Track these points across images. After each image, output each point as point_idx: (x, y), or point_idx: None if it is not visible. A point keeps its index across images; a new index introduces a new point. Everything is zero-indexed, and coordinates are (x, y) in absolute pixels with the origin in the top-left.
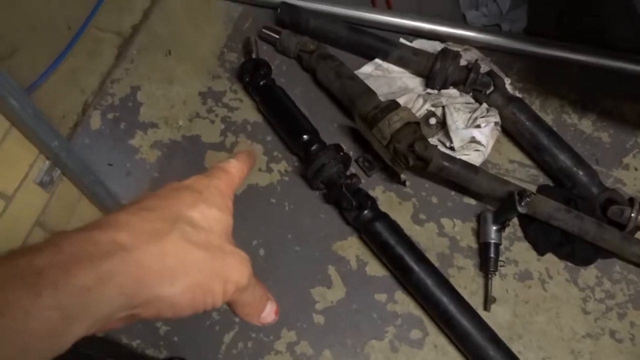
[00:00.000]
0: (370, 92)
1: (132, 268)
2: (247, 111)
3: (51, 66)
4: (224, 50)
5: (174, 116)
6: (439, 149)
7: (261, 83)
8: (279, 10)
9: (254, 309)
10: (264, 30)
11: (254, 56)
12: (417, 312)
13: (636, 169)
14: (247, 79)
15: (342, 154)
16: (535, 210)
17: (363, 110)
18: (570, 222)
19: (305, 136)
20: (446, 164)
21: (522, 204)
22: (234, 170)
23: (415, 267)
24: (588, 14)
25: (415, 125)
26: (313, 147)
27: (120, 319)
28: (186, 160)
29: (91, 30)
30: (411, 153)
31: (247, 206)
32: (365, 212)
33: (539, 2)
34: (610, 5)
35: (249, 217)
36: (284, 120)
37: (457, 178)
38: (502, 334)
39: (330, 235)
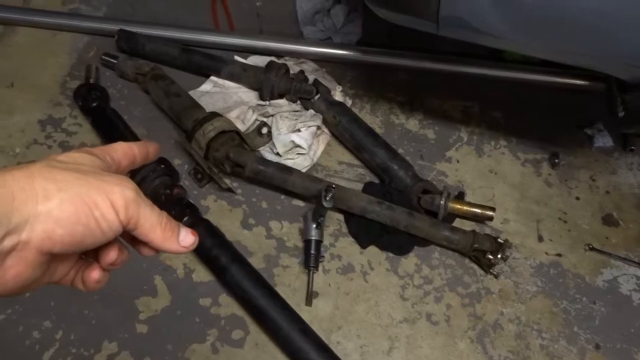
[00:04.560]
0: (194, 107)
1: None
2: (85, 134)
3: None
4: (66, 79)
5: (11, 145)
6: (254, 154)
7: (93, 105)
8: (116, 37)
9: (166, 230)
10: (103, 56)
11: (91, 81)
12: (240, 312)
13: (458, 161)
14: (80, 103)
15: (164, 167)
16: (349, 205)
17: (185, 124)
18: (383, 214)
19: None
20: (261, 167)
21: (327, 198)
22: (116, 145)
23: (230, 267)
24: None
25: (231, 134)
26: None
27: (16, 253)
28: None
29: None
30: (227, 160)
31: None
32: (185, 219)
33: (371, 16)
34: None
35: None
36: (111, 139)
37: (273, 180)
38: (322, 326)
39: None
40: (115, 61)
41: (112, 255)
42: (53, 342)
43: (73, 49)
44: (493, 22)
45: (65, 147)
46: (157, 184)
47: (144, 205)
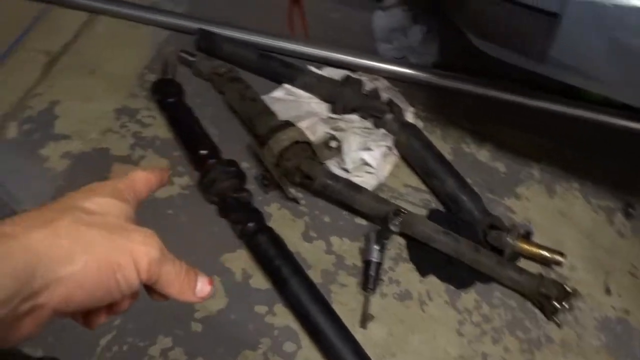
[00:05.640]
0: (268, 113)
1: (19, 252)
2: (159, 128)
3: None
4: (144, 72)
5: (86, 130)
6: (325, 168)
7: (169, 101)
8: (196, 36)
9: (184, 284)
10: (181, 53)
11: (168, 76)
12: (294, 325)
13: (527, 199)
14: (157, 97)
15: (234, 169)
16: (414, 231)
17: (259, 130)
18: (447, 244)
19: (202, 151)
20: (330, 182)
21: (395, 222)
22: (136, 176)
23: (290, 279)
24: None
25: (304, 145)
26: (208, 162)
27: (31, 315)
28: (92, 170)
29: (22, 48)
30: (298, 170)
31: (142, 215)
32: (250, 225)
33: (449, 38)
34: None
35: (142, 225)
36: (185, 136)
37: (340, 196)
38: (375, 352)
39: (220, 247)
40: (192, 59)
41: (124, 305)
42: (111, 329)
43: (152, 43)
44: (606, 70)
45: (138, 138)
46: (226, 185)
47: (167, 262)
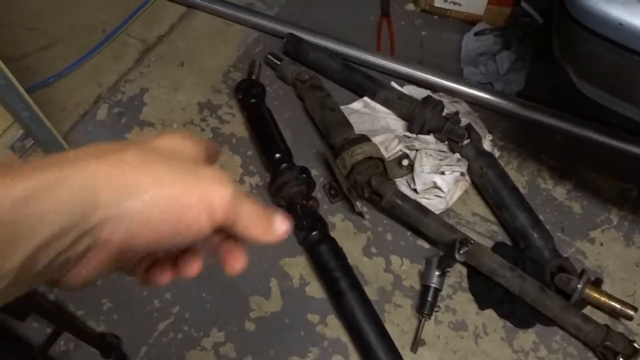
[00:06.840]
0: (345, 125)
1: (78, 178)
2: (237, 126)
3: (78, 61)
4: (230, 69)
5: (170, 119)
6: (394, 186)
7: (251, 101)
8: (285, 40)
9: (266, 220)
10: (268, 55)
11: (253, 77)
12: (345, 339)
13: (601, 244)
14: (240, 96)
15: (305, 176)
16: (478, 263)
17: (334, 140)
18: (512, 281)
19: (277, 155)
20: (398, 201)
21: (461, 252)
22: (208, 140)
23: (347, 293)
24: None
25: (377, 161)
26: (281, 166)
27: (90, 254)
28: None
29: (122, 35)
30: (368, 185)
31: None
32: (313, 233)
33: (538, 69)
34: None
35: None
36: (262, 137)
37: (407, 217)
38: None
39: (280, 251)
40: (278, 62)
41: (195, 267)
42: (169, 315)
43: (242, 42)
44: None
45: (216, 134)
46: (295, 191)
47: (243, 200)
